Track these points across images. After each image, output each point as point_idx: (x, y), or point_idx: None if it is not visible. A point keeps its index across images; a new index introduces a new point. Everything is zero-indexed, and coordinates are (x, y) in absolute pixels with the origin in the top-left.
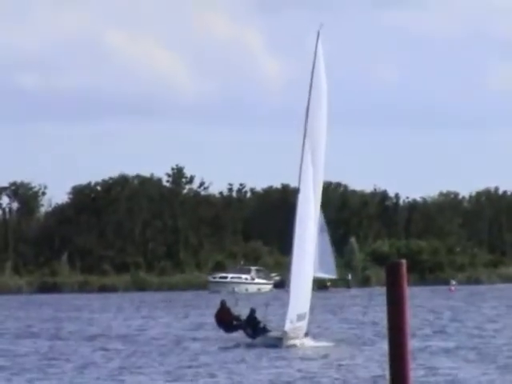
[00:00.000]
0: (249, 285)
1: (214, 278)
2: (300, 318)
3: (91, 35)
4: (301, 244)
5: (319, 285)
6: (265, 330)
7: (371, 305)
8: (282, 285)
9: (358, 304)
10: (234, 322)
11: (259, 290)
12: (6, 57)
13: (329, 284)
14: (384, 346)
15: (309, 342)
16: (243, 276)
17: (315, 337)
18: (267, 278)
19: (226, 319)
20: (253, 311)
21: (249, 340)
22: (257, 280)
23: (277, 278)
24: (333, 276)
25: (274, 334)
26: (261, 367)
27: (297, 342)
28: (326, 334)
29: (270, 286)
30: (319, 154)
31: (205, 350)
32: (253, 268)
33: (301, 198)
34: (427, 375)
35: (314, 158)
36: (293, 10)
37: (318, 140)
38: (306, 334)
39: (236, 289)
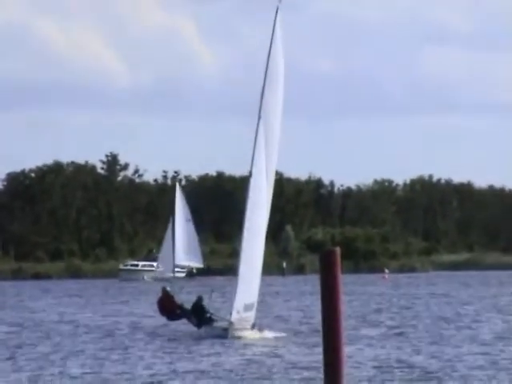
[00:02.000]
0: (160, 273)
1: (126, 265)
2: (247, 308)
3: (26, 24)
4: (251, 231)
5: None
6: (211, 320)
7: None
8: (193, 274)
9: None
10: (178, 311)
11: (173, 277)
12: None
13: None
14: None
15: (256, 334)
16: (155, 264)
17: (262, 327)
18: (181, 265)
19: (169, 307)
20: (200, 299)
21: (193, 329)
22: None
23: (191, 267)
24: (200, 265)
25: (220, 324)
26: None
27: (243, 333)
28: (274, 323)
29: (182, 275)
30: (273, 138)
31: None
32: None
33: (252, 182)
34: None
35: (267, 142)
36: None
37: (273, 123)
38: (254, 325)
39: (146, 277)
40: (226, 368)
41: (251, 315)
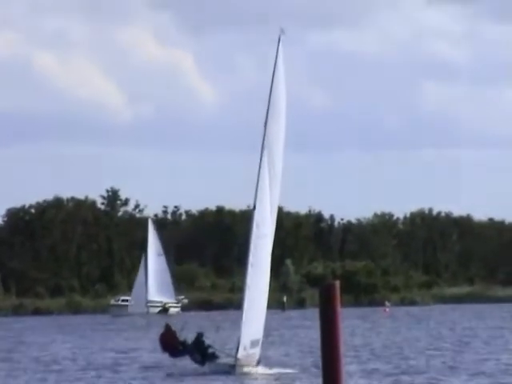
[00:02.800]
0: (151, 308)
1: (117, 300)
2: (253, 344)
3: (23, 57)
4: (254, 266)
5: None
6: (214, 357)
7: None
8: (189, 308)
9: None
10: (180, 347)
11: (165, 312)
12: None
13: None
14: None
15: (262, 370)
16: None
17: (268, 363)
18: (175, 300)
19: (171, 343)
20: (200, 335)
21: (197, 367)
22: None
23: (185, 301)
24: (171, 299)
25: (224, 360)
26: None
27: (250, 369)
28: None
29: (177, 309)
30: (277, 169)
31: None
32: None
33: (256, 215)
34: None
35: (271, 173)
36: (220, 31)
37: (276, 154)
38: (259, 361)
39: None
40: None
41: (257, 351)
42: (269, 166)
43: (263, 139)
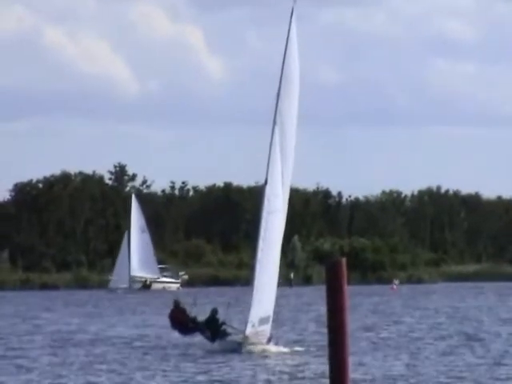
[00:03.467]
0: (152, 283)
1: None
2: (263, 321)
3: (30, 32)
4: (266, 241)
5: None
6: (225, 334)
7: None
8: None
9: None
10: (190, 324)
11: (164, 288)
12: None
13: None
14: None
15: (272, 348)
16: (147, 275)
17: (279, 341)
18: (174, 276)
19: (181, 320)
20: (214, 312)
21: (207, 343)
22: (162, 279)
23: (185, 277)
24: (155, 276)
25: (234, 338)
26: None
27: (258, 347)
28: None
29: (177, 285)
30: (289, 143)
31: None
32: (157, 266)
33: (268, 190)
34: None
35: (283, 147)
36: (231, 8)
37: (289, 128)
38: (270, 339)
39: (136, 287)
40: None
41: (267, 329)
42: (280, 139)
43: (275, 112)
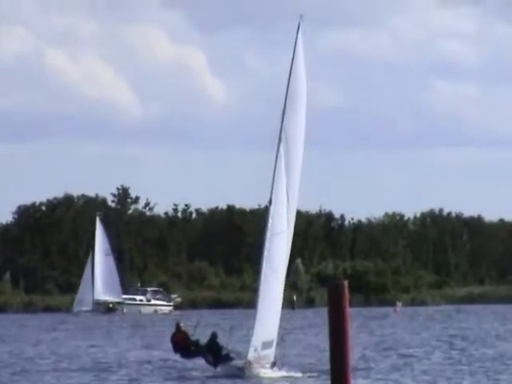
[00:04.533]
0: (143, 306)
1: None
2: (266, 345)
3: (34, 55)
4: (270, 262)
5: None
6: (228, 358)
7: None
8: (182, 307)
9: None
10: (193, 348)
11: (156, 311)
12: None
13: None
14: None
15: (276, 373)
16: (138, 297)
17: (284, 366)
18: (166, 299)
19: (183, 344)
20: (214, 336)
21: (209, 368)
22: (153, 301)
23: (178, 300)
24: (119, 299)
25: (237, 362)
26: None
27: (261, 372)
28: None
29: (169, 308)
30: (295, 162)
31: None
32: (149, 289)
33: (272, 210)
34: None
35: (288, 165)
36: (232, 29)
37: (295, 146)
38: (274, 364)
39: (125, 310)
40: None
41: (270, 353)
42: (286, 156)
43: (280, 128)
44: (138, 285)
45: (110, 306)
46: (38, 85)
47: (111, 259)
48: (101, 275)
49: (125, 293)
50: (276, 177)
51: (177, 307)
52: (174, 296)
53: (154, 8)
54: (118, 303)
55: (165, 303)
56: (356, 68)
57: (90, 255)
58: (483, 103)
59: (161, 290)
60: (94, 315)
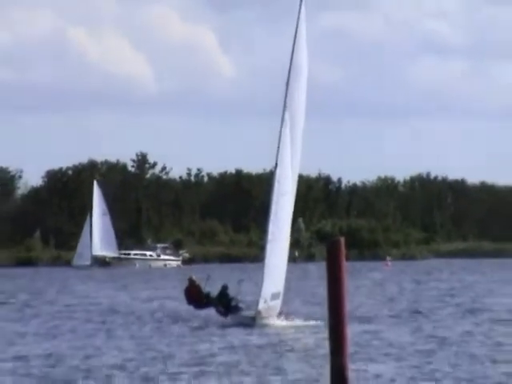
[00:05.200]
0: (153, 261)
1: (118, 254)
2: (274, 297)
3: (60, 33)
4: (277, 220)
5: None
6: (237, 309)
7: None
8: (191, 261)
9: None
10: (205, 300)
11: (165, 265)
12: None
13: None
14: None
15: (283, 322)
16: (148, 253)
17: (289, 315)
18: (175, 254)
19: (195, 296)
20: (224, 288)
21: (220, 318)
22: (162, 256)
23: (186, 255)
24: (115, 254)
25: (246, 312)
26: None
27: (270, 321)
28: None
29: (177, 262)
30: (298, 129)
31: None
32: (159, 246)
33: (278, 172)
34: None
35: (292, 131)
36: (240, 8)
37: (298, 114)
38: (280, 313)
39: (137, 265)
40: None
41: (278, 304)
42: (290, 124)
43: (285, 99)
44: (149, 241)
45: (107, 260)
46: (64, 60)
47: (107, 218)
48: (98, 233)
49: (140, 249)
50: (281, 142)
51: (185, 262)
52: (181, 252)
53: None
54: (114, 258)
55: (173, 258)
56: (351, 45)
57: (88, 215)
58: (466, 78)
59: (170, 245)
60: (93, 268)
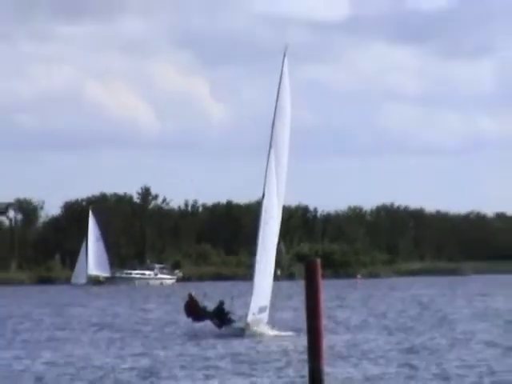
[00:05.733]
0: (151, 280)
1: (121, 273)
2: (261, 310)
3: (76, 86)
4: (264, 243)
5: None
6: (230, 321)
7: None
8: (184, 279)
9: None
10: (202, 313)
11: (161, 283)
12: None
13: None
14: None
15: (270, 332)
16: (147, 272)
17: (274, 326)
18: (170, 273)
19: (194, 310)
20: (221, 303)
21: (216, 329)
22: (159, 275)
23: (179, 274)
24: (107, 274)
25: (238, 324)
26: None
27: (258, 331)
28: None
29: (172, 281)
30: (282, 163)
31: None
32: (157, 266)
33: (265, 202)
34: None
35: (277, 165)
36: (230, 64)
37: (282, 149)
38: (267, 324)
39: (137, 283)
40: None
41: (265, 316)
42: (275, 160)
43: (271, 139)
44: (148, 262)
45: (101, 279)
46: (80, 108)
47: (101, 243)
48: (92, 255)
49: (142, 269)
50: (268, 174)
51: (178, 280)
52: (176, 271)
53: (168, 49)
54: (107, 278)
55: (169, 277)
56: (323, 94)
57: (84, 241)
58: (423, 122)
59: (166, 266)
60: (88, 286)
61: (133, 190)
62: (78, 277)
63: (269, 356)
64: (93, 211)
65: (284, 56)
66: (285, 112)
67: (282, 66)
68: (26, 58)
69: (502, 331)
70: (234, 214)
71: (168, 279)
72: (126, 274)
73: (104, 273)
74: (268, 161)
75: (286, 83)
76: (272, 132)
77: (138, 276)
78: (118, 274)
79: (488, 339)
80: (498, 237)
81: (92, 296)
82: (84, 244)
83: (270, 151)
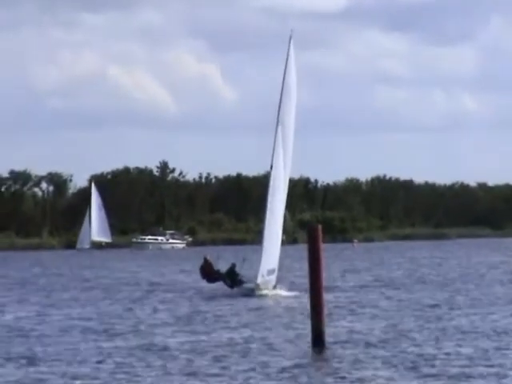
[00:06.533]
0: (163, 244)
1: (136, 239)
2: (270, 272)
3: (100, 70)
4: (272, 210)
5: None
6: (241, 282)
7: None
8: (193, 244)
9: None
10: (216, 275)
11: (173, 248)
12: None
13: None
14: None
15: (278, 293)
16: (159, 238)
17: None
18: (181, 239)
19: (208, 272)
20: (233, 265)
21: (228, 289)
22: (171, 241)
23: (189, 239)
24: (108, 240)
25: (248, 285)
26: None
27: (267, 292)
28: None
29: (182, 245)
30: (289, 137)
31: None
32: (168, 232)
33: (273, 172)
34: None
35: (284, 140)
36: (238, 51)
37: (289, 125)
38: (275, 286)
39: (150, 247)
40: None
41: (273, 278)
42: (283, 134)
43: (278, 115)
44: (160, 229)
45: (103, 244)
46: (105, 90)
47: (103, 212)
48: (95, 223)
49: (158, 235)
50: (275, 149)
51: (188, 244)
52: (186, 236)
53: (183, 37)
54: (107, 243)
55: (179, 241)
56: (322, 76)
57: (88, 209)
58: (412, 102)
59: (177, 232)
60: (92, 251)
61: (152, 164)
62: (83, 242)
63: (275, 312)
64: (95, 184)
65: (290, 39)
66: (291, 90)
67: (288, 49)
68: (54, 44)
69: None
70: (243, 185)
71: (179, 243)
72: (141, 239)
73: (106, 238)
74: (275, 136)
75: (291, 64)
76: (279, 109)
77: (151, 241)
78: (134, 239)
79: None
80: (479, 205)
81: (113, 259)
82: (87, 213)
83: (277, 127)
